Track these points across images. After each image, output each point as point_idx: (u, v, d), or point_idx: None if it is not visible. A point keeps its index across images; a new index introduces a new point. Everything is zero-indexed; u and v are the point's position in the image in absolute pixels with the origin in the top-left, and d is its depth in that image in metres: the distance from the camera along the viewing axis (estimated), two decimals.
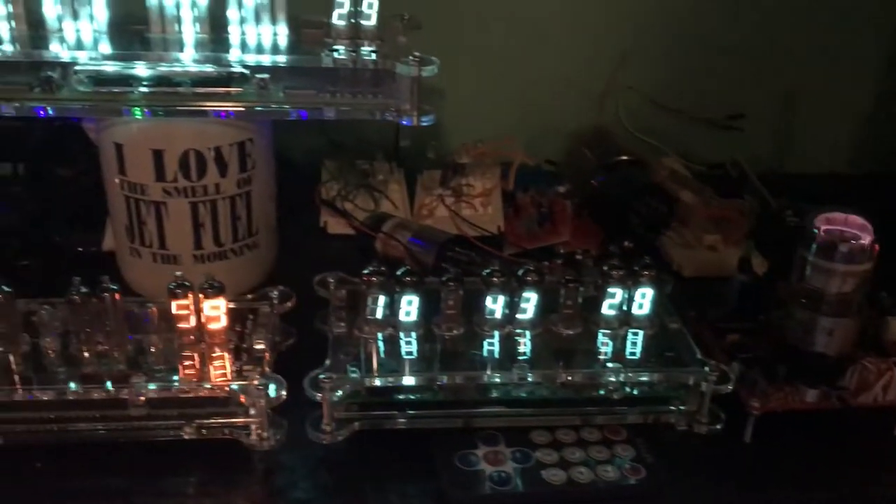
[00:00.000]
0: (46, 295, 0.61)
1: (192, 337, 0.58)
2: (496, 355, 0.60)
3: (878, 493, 0.57)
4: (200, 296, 0.58)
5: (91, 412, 0.55)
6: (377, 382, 0.57)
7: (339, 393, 0.55)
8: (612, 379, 0.58)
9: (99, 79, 0.62)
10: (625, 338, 0.62)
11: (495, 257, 0.74)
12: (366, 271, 0.60)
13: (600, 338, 0.62)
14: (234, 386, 0.55)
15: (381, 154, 0.90)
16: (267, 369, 0.57)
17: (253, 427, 0.56)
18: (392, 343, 0.61)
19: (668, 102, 0.96)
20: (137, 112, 0.63)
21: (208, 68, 0.63)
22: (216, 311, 0.58)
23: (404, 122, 0.64)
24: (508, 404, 0.59)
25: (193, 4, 0.65)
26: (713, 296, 0.70)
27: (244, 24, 0.66)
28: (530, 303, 0.61)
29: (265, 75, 0.63)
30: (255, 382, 0.54)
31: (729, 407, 0.59)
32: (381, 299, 0.60)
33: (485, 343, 0.61)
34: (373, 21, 0.66)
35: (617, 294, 0.61)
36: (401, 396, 0.58)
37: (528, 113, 0.97)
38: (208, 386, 0.55)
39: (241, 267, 0.70)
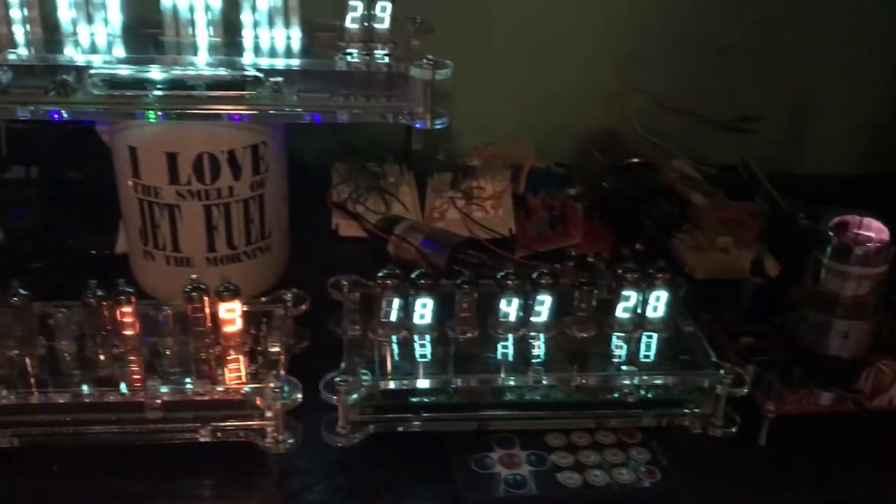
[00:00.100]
0: (59, 298, 0.61)
1: (207, 340, 0.58)
2: (510, 358, 0.60)
3: (893, 495, 0.57)
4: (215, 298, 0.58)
5: (106, 415, 0.55)
6: (392, 385, 0.57)
7: (355, 396, 0.55)
8: (627, 382, 0.58)
9: (113, 82, 0.62)
10: (639, 341, 0.62)
11: (507, 260, 0.74)
12: (380, 274, 0.60)
13: (614, 341, 0.62)
14: (251, 389, 0.55)
15: (391, 157, 0.90)
16: (282, 372, 0.57)
17: (268, 430, 0.56)
18: (406, 346, 0.61)
19: (677, 104, 0.96)
20: (151, 115, 0.63)
21: (222, 72, 0.63)
22: (231, 313, 0.58)
23: (418, 126, 0.64)
24: (522, 407, 0.59)
25: (207, 8, 0.65)
26: (725, 298, 0.70)
27: (258, 28, 0.67)
28: (545, 305, 0.61)
29: (279, 78, 0.63)
30: (272, 385, 0.54)
31: (743, 410, 0.59)
32: (396, 302, 0.60)
33: (499, 346, 0.61)
34: (386, 24, 0.66)
35: (631, 297, 0.61)
36: (415, 399, 0.58)
37: (537, 115, 0.97)
38: (224, 389, 0.56)
39: (253, 270, 0.70)
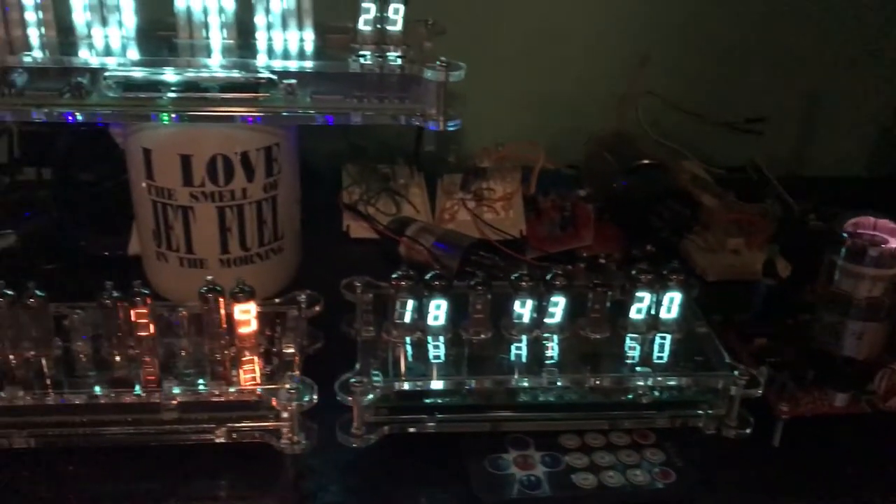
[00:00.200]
0: (72, 299, 0.61)
1: (222, 341, 0.58)
2: (523, 359, 0.60)
3: None
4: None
5: (122, 416, 0.56)
6: (406, 386, 0.57)
7: (370, 396, 0.55)
8: (641, 383, 0.58)
9: (127, 84, 0.63)
10: (652, 342, 0.62)
11: (519, 261, 0.74)
12: (394, 275, 0.60)
13: (628, 342, 0.62)
14: (267, 390, 0.55)
15: (401, 158, 0.91)
16: (297, 373, 0.57)
17: (283, 431, 0.56)
18: (420, 347, 0.61)
19: (686, 106, 0.96)
20: (165, 117, 0.63)
21: (236, 74, 0.64)
22: (247, 315, 0.58)
23: (431, 127, 0.64)
24: (536, 408, 0.59)
25: (221, 10, 0.66)
26: (737, 299, 0.70)
27: (271, 30, 0.67)
28: (558, 307, 0.61)
29: (292, 81, 0.63)
30: (287, 386, 0.54)
31: (756, 411, 0.59)
32: (410, 303, 0.60)
33: (512, 347, 0.61)
34: (398, 26, 0.66)
35: (645, 298, 0.61)
36: (429, 400, 0.58)
37: (547, 117, 0.97)
38: (240, 390, 0.56)
39: (266, 271, 0.70)
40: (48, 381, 0.56)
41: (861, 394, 0.59)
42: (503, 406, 0.58)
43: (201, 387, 0.56)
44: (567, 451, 0.56)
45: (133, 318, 0.57)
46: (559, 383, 0.58)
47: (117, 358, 0.58)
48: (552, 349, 0.61)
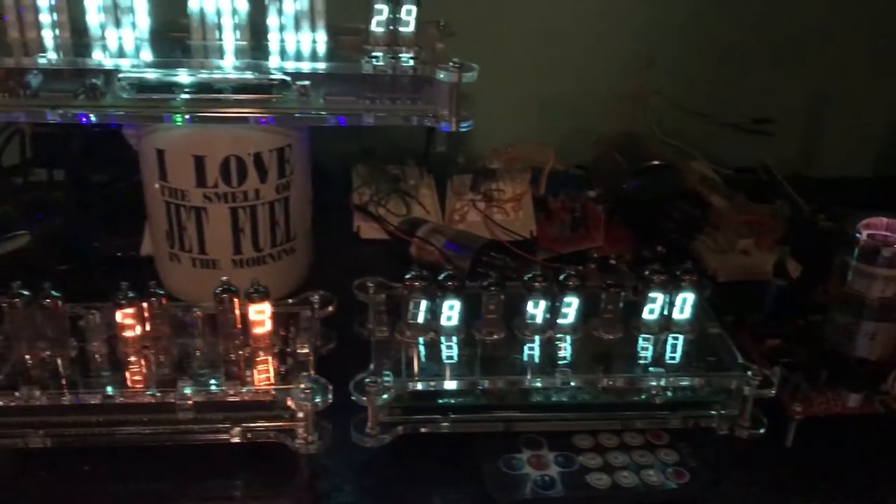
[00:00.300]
0: (85, 299, 0.61)
1: (236, 341, 0.59)
2: (536, 360, 0.61)
3: None
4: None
5: (138, 416, 0.56)
6: (420, 387, 0.57)
7: (385, 397, 0.55)
8: (655, 383, 0.58)
9: (141, 86, 0.63)
10: (665, 342, 0.62)
11: (530, 262, 0.74)
12: (408, 276, 0.60)
13: (641, 342, 0.62)
14: (282, 390, 0.55)
15: (411, 159, 0.91)
16: (312, 373, 0.57)
17: (298, 431, 0.56)
18: (433, 347, 0.61)
19: (694, 107, 0.96)
20: (179, 119, 0.63)
21: (249, 75, 0.64)
22: (261, 315, 0.58)
23: (443, 128, 0.64)
24: (548, 409, 0.59)
25: (234, 12, 0.66)
26: (748, 300, 0.70)
27: (284, 32, 0.67)
28: (572, 307, 0.61)
29: (305, 82, 0.64)
30: (302, 386, 0.55)
31: (769, 411, 0.59)
32: (423, 304, 0.60)
33: (525, 347, 0.61)
34: (411, 28, 0.67)
35: (658, 299, 0.61)
36: (442, 401, 0.58)
37: (556, 118, 0.97)
38: (256, 390, 0.56)
39: (278, 271, 0.71)
40: (64, 381, 0.57)
41: (874, 394, 0.59)
42: (516, 406, 0.58)
43: (217, 387, 0.56)
44: (581, 451, 0.57)
45: (148, 319, 0.57)
46: (573, 384, 0.58)
47: (132, 358, 0.58)
48: (565, 349, 0.61)
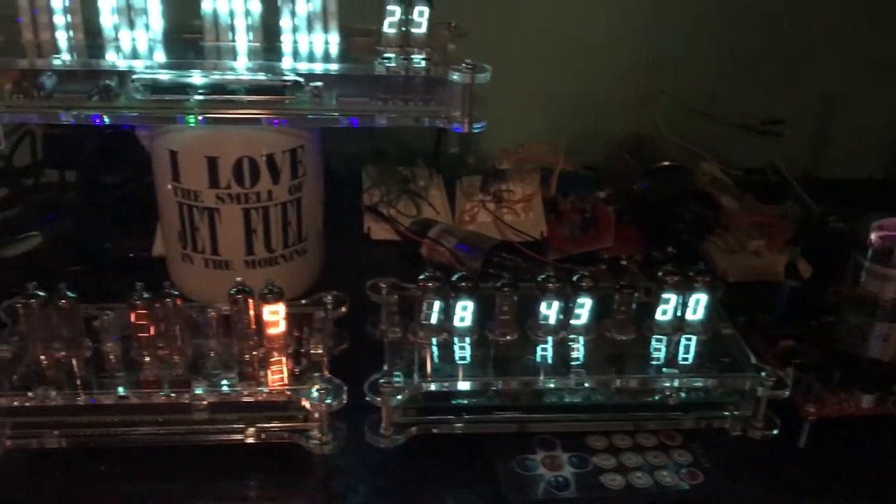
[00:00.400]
0: (98, 300, 0.61)
1: (251, 342, 0.59)
2: (549, 361, 0.61)
3: None
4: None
5: (153, 416, 0.56)
6: (434, 387, 0.57)
7: (399, 397, 0.55)
8: (668, 384, 0.58)
9: (155, 87, 0.63)
10: (678, 343, 0.62)
11: (541, 263, 0.74)
12: (421, 277, 0.60)
13: (654, 343, 0.62)
14: (297, 390, 0.55)
15: (420, 160, 0.91)
16: (326, 373, 0.57)
17: (312, 431, 0.56)
18: (446, 348, 0.61)
19: (704, 107, 0.96)
20: (192, 120, 0.63)
21: (262, 76, 0.64)
22: (275, 315, 0.58)
23: (456, 129, 0.65)
24: (562, 409, 0.59)
25: (247, 14, 0.66)
26: (759, 301, 0.70)
27: (296, 33, 0.67)
28: (584, 308, 0.61)
29: (318, 83, 0.64)
30: (317, 387, 0.55)
31: (782, 412, 0.59)
32: (436, 304, 0.60)
33: (538, 348, 0.61)
34: (423, 29, 0.67)
35: (671, 299, 0.61)
36: (456, 401, 0.58)
37: (566, 118, 0.97)
38: (271, 390, 0.56)
39: (290, 272, 0.71)
40: (79, 382, 0.57)
41: (887, 395, 0.59)
42: (530, 407, 0.59)
43: (231, 387, 0.56)
44: (594, 451, 0.57)
45: (163, 319, 0.58)
46: (586, 384, 0.58)
47: (147, 359, 0.58)
48: (578, 350, 0.61)
